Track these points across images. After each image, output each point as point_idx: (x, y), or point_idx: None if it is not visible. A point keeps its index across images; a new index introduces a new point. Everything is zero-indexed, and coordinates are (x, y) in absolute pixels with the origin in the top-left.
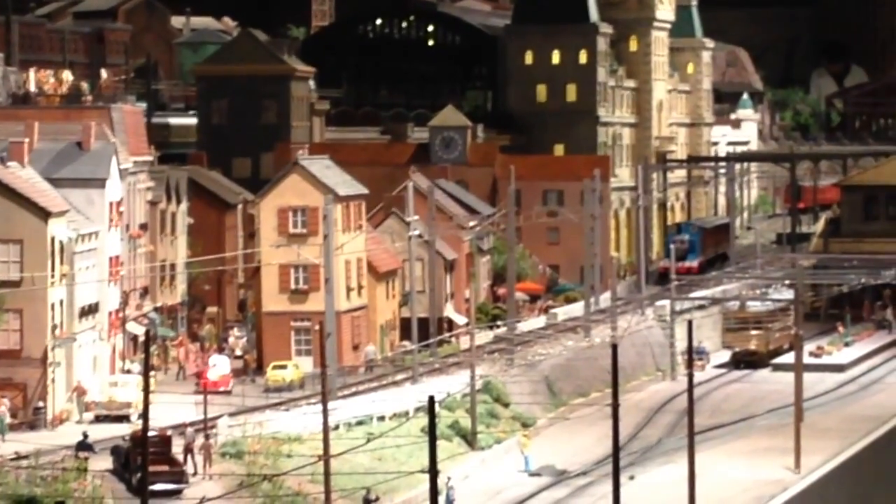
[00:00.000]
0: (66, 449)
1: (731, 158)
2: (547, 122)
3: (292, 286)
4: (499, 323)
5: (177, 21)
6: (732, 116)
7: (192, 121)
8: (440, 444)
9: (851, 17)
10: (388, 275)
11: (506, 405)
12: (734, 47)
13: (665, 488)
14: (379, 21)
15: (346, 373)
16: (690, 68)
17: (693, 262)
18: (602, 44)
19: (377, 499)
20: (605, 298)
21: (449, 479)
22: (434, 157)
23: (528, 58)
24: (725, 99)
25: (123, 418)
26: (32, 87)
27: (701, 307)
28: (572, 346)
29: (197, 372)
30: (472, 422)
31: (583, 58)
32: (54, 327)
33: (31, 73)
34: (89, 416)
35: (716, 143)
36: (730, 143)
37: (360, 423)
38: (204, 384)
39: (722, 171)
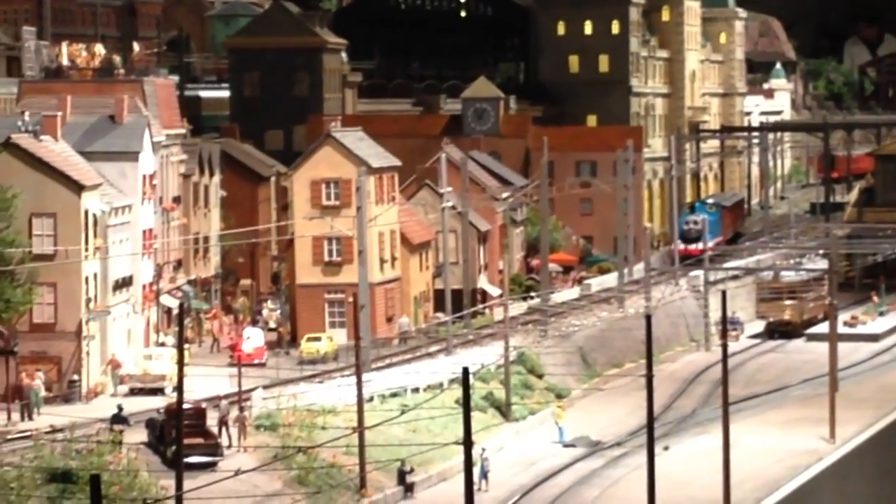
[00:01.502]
0: (101, 422)
1: (764, 128)
2: (579, 92)
3: (326, 258)
4: (532, 294)
5: None
6: (765, 86)
7: (225, 93)
8: (474, 415)
9: None
10: (421, 246)
11: (540, 376)
12: (766, 16)
13: (699, 459)
14: None
15: (379, 345)
16: (723, 38)
17: (710, 245)
18: (634, 14)
19: (412, 470)
20: (638, 269)
21: (483, 450)
22: (467, 128)
23: (561, 28)
24: (758, 68)
25: (158, 391)
26: (65, 61)
27: (735, 277)
28: (606, 317)
29: (230, 344)
30: (507, 393)
31: (615, 28)
32: (88, 301)
33: (64, 46)
34: (124, 389)
35: (749, 113)
36: (763, 113)
37: (394, 394)
38: (238, 357)
39: (755, 141)
